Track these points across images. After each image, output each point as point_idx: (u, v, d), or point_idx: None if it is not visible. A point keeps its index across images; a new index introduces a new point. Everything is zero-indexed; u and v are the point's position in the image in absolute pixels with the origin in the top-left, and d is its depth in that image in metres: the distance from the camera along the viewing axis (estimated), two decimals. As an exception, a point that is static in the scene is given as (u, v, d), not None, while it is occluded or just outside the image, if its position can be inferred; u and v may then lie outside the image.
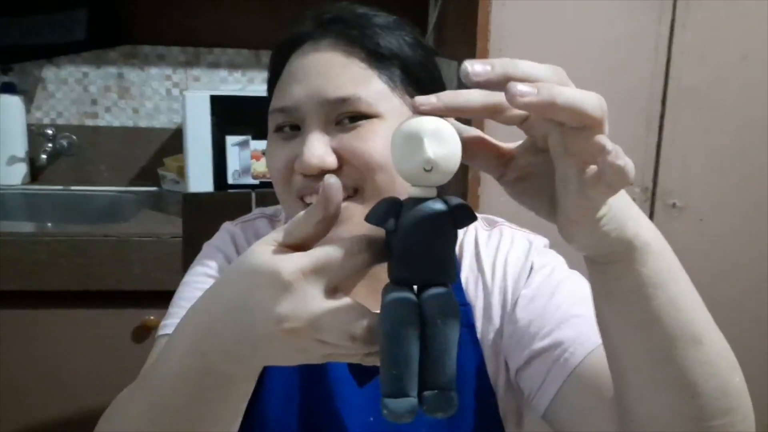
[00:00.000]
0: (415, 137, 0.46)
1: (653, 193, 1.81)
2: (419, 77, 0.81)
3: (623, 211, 0.51)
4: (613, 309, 0.56)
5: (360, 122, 0.75)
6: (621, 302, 0.55)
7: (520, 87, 0.42)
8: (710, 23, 1.72)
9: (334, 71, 0.76)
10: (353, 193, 0.76)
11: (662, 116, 1.77)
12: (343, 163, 0.75)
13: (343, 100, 0.75)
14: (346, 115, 0.75)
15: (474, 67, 0.44)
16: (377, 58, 0.78)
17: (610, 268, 0.53)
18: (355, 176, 0.75)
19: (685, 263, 0.56)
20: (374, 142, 0.74)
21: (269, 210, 0.98)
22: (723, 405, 0.57)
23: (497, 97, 0.47)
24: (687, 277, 0.56)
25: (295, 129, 0.78)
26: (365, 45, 0.78)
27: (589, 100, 0.43)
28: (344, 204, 0.74)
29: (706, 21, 1.72)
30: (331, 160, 0.74)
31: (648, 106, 1.76)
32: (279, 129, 0.79)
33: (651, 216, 1.82)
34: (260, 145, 1.82)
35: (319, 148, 0.74)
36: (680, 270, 0.56)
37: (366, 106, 0.75)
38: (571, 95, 0.42)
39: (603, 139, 0.43)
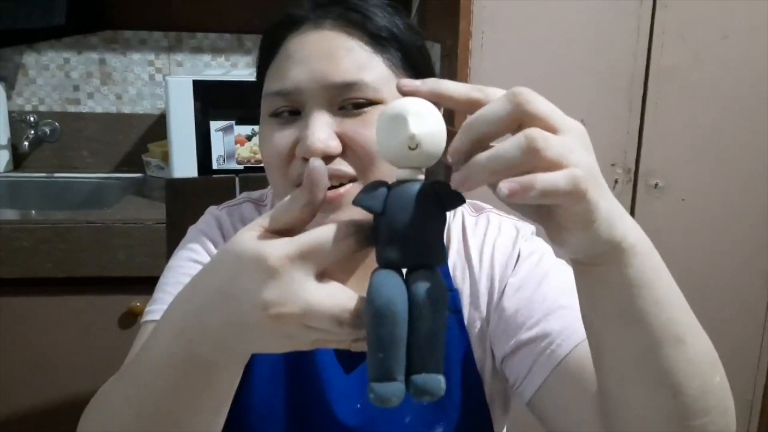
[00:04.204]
0: (399, 116, 0.46)
1: (635, 174, 1.82)
2: (415, 61, 0.80)
3: (612, 213, 0.50)
4: (598, 308, 0.56)
5: (365, 109, 0.74)
6: (606, 302, 0.55)
7: (508, 184, 0.44)
8: (691, 3, 1.73)
9: (338, 54, 0.74)
10: (355, 179, 0.75)
11: (644, 96, 1.78)
12: (347, 149, 0.74)
13: (348, 86, 0.73)
14: (351, 101, 0.74)
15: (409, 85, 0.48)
16: (379, 41, 0.77)
17: (597, 269, 0.53)
18: (358, 163, 0.74)
19: (668, 243, 0.56)
20: None
21: (255, 194, 0.97)
22: (704, 404, 0.57)
23: (478, 93, 0.48)
24: (671, 276, 0.56)
25: (294, 114, 0.76)
26: (367, 28, 0.76)
27: (564, 183, 0.45)
28: (344, 189, 0.73)
29: (688, 0, 1.72)
30: (335, 145, 0.73)
31: (630, 86, 1.76)
32: (276, 114, 0.77)
33: (633, 197, 1.83)
34: (244, 130, 1.81)
35: (324, 132, 0.72)
36: (664, 269, 0.56)
37: (372, 92, 0.74)
38: (548, 184, 0.44)
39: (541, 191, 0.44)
